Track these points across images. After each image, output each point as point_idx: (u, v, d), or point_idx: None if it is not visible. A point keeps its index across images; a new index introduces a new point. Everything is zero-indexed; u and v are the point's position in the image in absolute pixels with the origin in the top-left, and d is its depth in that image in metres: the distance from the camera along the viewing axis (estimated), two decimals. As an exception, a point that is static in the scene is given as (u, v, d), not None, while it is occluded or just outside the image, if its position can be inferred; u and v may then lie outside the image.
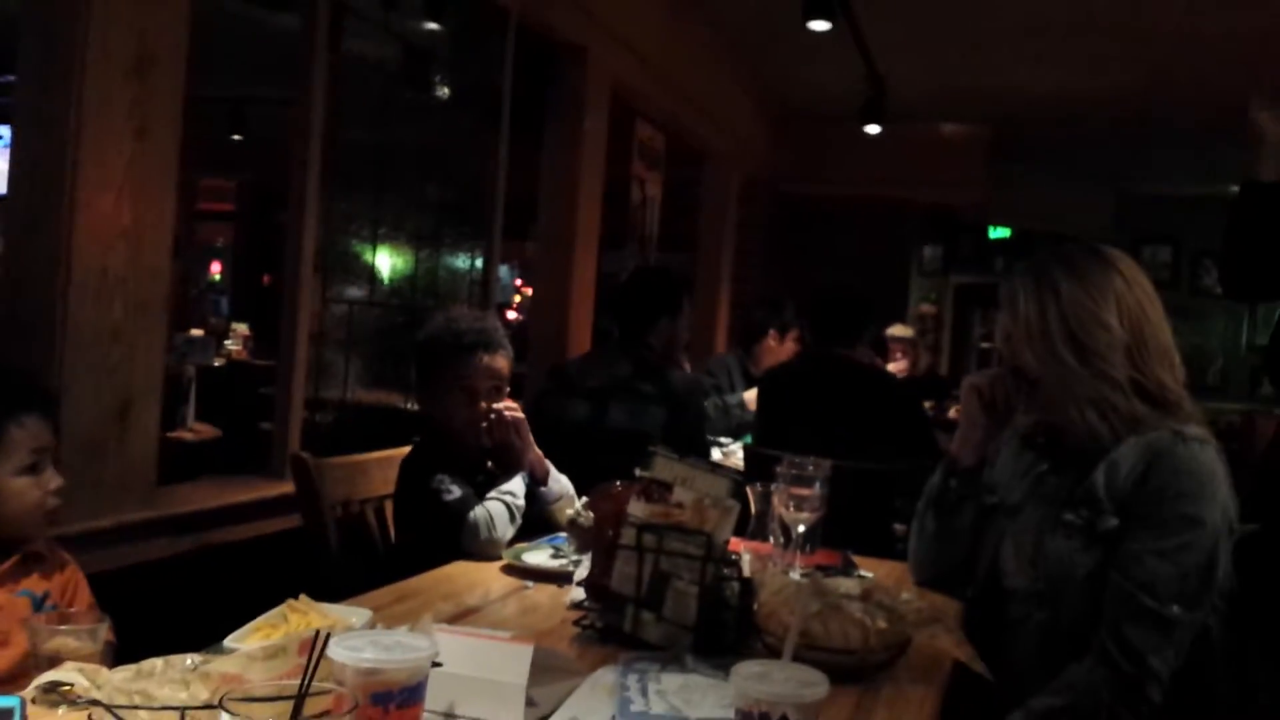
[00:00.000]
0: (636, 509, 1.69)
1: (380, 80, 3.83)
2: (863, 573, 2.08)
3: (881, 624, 1.57)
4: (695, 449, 2.95)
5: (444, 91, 4.22)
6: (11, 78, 2.45)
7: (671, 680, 1.46)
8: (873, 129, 6.64)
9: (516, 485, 2.31)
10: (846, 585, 1.69)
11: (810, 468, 1.97)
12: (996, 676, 1.58)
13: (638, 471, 1.76)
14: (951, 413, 5.63)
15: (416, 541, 2.31)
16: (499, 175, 4.37)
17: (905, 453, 3.41)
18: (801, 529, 1.98)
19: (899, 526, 3.35)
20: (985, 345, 9.55)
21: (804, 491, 1.97)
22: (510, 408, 2.41)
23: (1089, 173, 9.25)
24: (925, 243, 9.44)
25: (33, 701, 1.22)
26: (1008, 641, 1.83)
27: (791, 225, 8.74)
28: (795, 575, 1.91)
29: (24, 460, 1.66)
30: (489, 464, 2.42)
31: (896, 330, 6.87)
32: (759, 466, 2.97)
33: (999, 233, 9.98)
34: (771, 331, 5.03)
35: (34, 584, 1.66)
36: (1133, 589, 1.64)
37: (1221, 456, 1.70)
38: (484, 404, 2.39)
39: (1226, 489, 1.68)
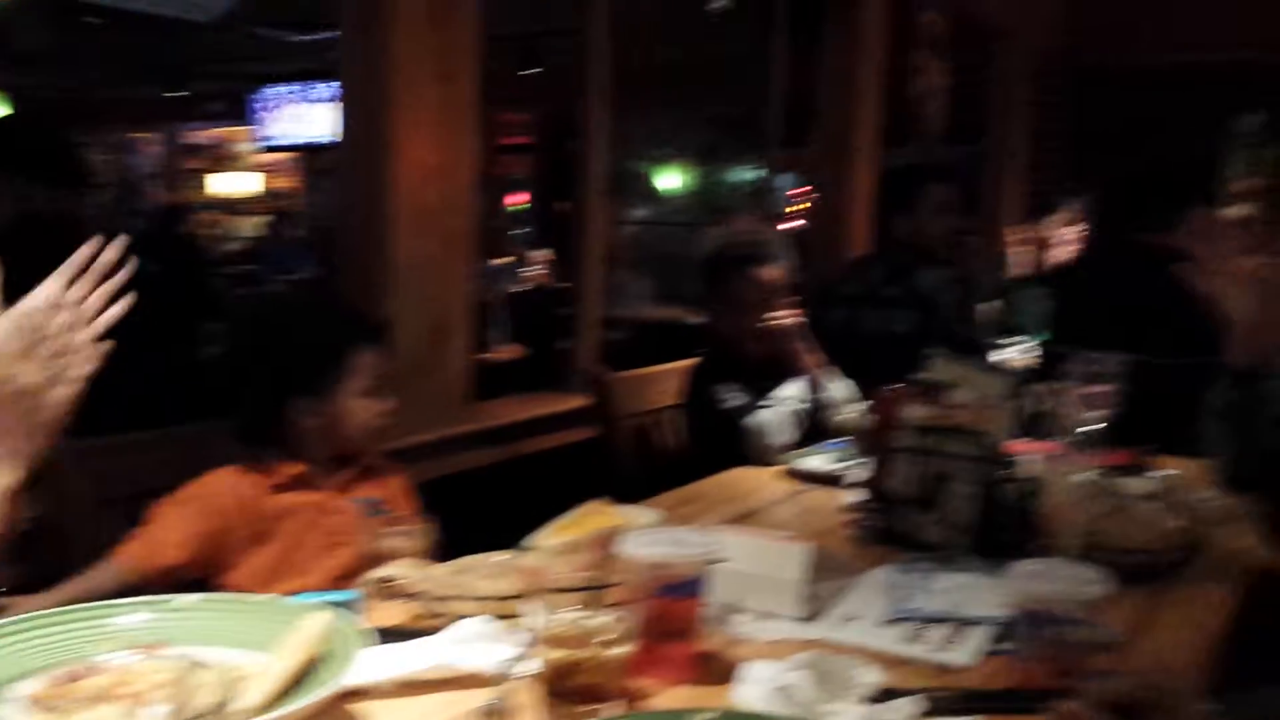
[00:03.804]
0: (914, 411, 1.70)
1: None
2: (1161, 472, 1.98)
3: (1177, 523, 1.51)
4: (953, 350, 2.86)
5: (721, 2, 4.23)
6: (335, 34, 2.69)
7: (948, 580, 1.47)
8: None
9: (792, 391, 2.37)
10: (1138, 485, 1.63)
11: (1102, 365, 1.89)
12: None
13: (917, 375, 1.77)
14: None
15: (701, 448, 2.41)
16: (777, 84, 4.34)
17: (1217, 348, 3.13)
18: (1091, 428, 1.91)
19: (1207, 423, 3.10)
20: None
21: (1095, 389, 1.90)
22: (783, 316, 2.45)
23: None
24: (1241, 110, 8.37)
25: (369, 594, 1.38)
26: None
27: (1098, 103, 8.03)
28: (1085, 475, 1.85)
29: (367, 384, 1.81)
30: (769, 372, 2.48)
31: (1231, 210, 6.23)
32: (1054, 364, 2.84)
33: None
34: (1056, 217, 4.73)
35: (368, 491, 1.85)
36: None
37: None
38: (756, 314, 2.44)
39: None
